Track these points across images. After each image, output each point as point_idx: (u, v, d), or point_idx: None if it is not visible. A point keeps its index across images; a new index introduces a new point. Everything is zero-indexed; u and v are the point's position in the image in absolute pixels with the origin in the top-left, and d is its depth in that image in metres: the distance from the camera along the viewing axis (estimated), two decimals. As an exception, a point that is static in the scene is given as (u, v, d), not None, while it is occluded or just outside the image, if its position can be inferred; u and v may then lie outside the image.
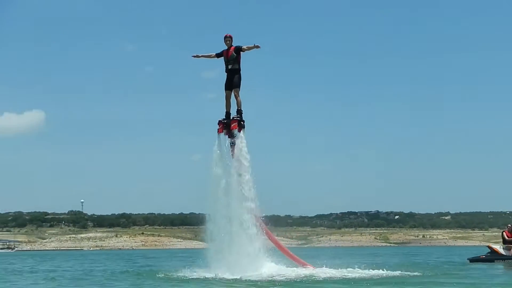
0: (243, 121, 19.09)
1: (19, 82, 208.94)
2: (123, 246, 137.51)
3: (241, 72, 19.06)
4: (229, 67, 18.81)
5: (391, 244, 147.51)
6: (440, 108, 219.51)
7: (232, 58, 18.69)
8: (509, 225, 32.60)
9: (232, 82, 18.90)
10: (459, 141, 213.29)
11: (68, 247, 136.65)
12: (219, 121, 19.10)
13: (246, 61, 19.25)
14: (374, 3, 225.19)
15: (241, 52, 18.86)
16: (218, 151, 18.66)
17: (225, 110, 19.12)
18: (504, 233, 32.12)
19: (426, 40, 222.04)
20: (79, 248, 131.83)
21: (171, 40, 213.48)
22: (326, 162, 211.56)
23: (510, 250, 30.53)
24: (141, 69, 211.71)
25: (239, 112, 19.00)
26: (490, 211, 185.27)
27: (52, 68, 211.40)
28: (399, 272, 21.11)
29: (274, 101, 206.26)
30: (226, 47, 19.03)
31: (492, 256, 30.89)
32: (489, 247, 32.55)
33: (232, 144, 18.56)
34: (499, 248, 31.36)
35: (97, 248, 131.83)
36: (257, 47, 18.80)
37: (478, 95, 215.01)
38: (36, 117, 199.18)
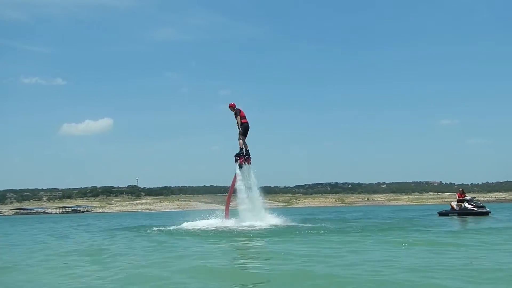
0: (250, 157, 19.46)
1: (95, 97, 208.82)
2: (165, 209, 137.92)
3: (240, 127, 19.37)
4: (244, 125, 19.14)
5: (345, 204, 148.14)
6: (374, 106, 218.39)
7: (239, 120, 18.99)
8: (460, 189, 32.37)
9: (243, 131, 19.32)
10: (391, 132, 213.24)
11: (127, 209, 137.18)
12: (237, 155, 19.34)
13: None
14: None
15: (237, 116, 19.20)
16: (239, 171, 19.16)
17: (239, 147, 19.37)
18: (456, 195, 31.89)
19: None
20: (135, 210, 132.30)
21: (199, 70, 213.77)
22: (303, 149, 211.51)
23: (459, 206, 30.47)
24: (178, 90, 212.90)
25: (247, 152, 19.46)
26: (413, 181, 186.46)
27: (117, 90, 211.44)
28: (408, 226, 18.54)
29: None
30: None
31: (451, 211, 30.78)
32: (450, 205, 31.75)
33: (240, 167, 19.08)
34: (455, 205, 30.99)
35: (147, 210, 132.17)
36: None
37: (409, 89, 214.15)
38: (107, 123, 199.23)
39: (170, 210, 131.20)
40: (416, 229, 16.37)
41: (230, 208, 19.64)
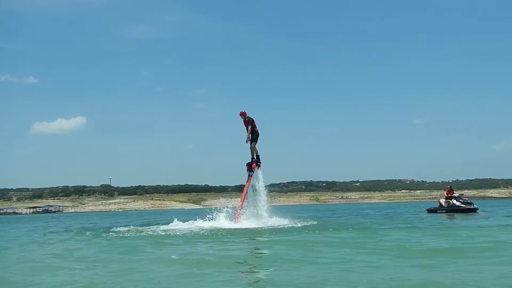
0: (260, 162, 19.98)
1: (68, 95, 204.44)
2: (138, 208, 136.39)
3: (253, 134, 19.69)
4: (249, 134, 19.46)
5: (320, 203, 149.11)
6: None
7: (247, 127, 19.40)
8: (448, 186, 32.45)
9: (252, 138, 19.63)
10: (364, 131, 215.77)
11: (100, 209, 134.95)
12: (247, 164, 19.88)
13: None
14: None
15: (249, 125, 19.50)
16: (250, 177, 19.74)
17: (251, 156, 19.88)
18: (445, 192, 31.75)
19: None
20: (108, 210, 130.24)
21: (174, 69, 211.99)
22: (277, 147, 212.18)
23: (448, 203, 30.38)
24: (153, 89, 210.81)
25: (257, 157, 19.93)
26: (385, 179, 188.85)
27: (92, 87, 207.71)
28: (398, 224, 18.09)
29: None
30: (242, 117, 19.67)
31: (439, 208, 30.73)
32: (439, 202, 31.45)
33: (249, 176, 19.59)
34: (443, 202, 30.81)
35: (121, 210, 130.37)
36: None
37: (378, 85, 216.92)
38: (80, 122, 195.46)
39: (144, 209, 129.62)
40: (440, 228, 15.52)
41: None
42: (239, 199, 19.72)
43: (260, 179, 19.53)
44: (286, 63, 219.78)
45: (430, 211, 31.61)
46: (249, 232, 14.86)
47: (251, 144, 19.77)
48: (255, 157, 20.01)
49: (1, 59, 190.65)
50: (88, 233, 17.26)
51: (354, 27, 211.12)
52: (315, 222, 19.41)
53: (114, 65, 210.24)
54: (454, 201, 30.31)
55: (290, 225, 17.31)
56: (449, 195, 31.12)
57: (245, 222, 18.18)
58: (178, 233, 15.09)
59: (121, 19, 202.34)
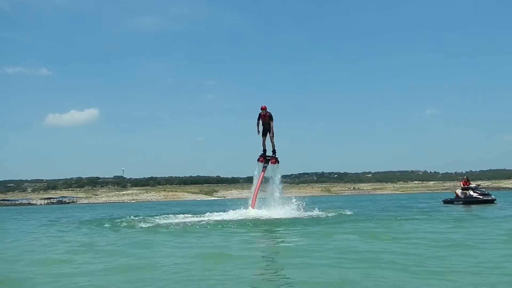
0: (278, 159, 20.49)
1: (81, 87, 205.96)
2: (151, 199, 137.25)
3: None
4: (266, 126, 19.85)
5: (332, 194, 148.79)
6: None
7: (267, 122, 19.79)
8: (465, 177, 31.72)
9: (269, 132, 20.01)
10: (377, 122, 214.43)
11: (113, 200, 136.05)
12: (261, 155, 20.36)
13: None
14: None
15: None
16: (256, 173, 20.33)
17: (262, 148, 20.33)
18: (461, 183, 31.24)
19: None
20: (121, 201, 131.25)
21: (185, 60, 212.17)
22: (288, 138, 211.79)
23: (464, 194, 29.98)
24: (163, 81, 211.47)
25: (274, 152, 20.40)
26: (398, 170, 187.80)
27: (104, 79, 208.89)
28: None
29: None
30: (261, 111, 19.80)
31: (456, 199, 30.37)
32: (455, 193, 31.11)
33: (264, 168, 20.11)
34: (460, 193, 30.44)
35: (133, 201, 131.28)
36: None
37: (390, 78, 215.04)
38: (93, 113, 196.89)
39: (156, 200, 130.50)
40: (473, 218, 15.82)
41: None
42: (254, 188, 19.88)
43: (278, 176, 20.26)
44: (298, 55, 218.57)
45: (446, 202, 31.17)
46: (309, 221, 15.17)
47: (264, 136, 20.08)
48: (272, 151, 20.45)
49: (14, 51, 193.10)
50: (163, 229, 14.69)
51: (365, 18, 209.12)
52: (349, 212, 20.10)
53: (125, 57, 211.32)
54: (471, 192, 29.78)
55: (325, 215, 18.12)
56: (466, 186, 30.60)
57: (266, 211, 18.57)
58: (251, 223, 14.86)
59: (129, 10, 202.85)
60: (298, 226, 13.34)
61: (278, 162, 20.53)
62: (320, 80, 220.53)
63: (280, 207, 19.31)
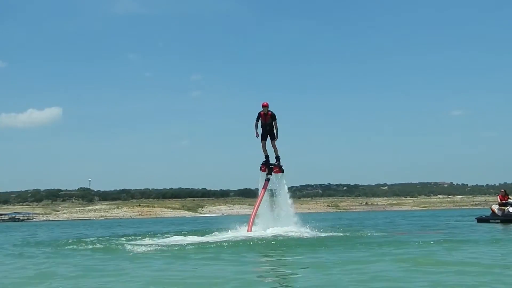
0: (283, 166, 20.48)
1: (41, 82, 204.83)
2: (123, 216, 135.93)
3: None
4: (267, 128, 19.63)
5: (340, 210, 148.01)
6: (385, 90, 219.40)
7: (269, 123, 19.61)
8: (502, 190, 31.33)
9: (270, 135, 19.78)
10: (395, 123, 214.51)
11: (78, 217, 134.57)
12: (263, 163, 20.32)
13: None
14: None
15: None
16: (260, 183, 20.25)
17: (264, 155, 20.20)
18: (498, 197, 30.86)
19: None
20: (87, 218, 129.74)
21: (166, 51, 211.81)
22: (288, 144, 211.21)
23: (502, 211, 29.40)
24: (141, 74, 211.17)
25: (278, 158, 20.33)
26: (419, 182, 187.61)
27: (69, 72, 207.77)
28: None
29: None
30: (262, 110, 19.63)
31: (492, 217, 29.85)
32: (491, 209, 30.64)
33: (267, 180, 20.01)
34: (497, 210, 29.87)
35: (102, 218, 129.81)
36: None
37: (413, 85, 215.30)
38: (55, 113, 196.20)
39: (129, 217, 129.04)
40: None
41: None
42: (253, 205, 19.85)
43: (285, 188, 20.07)
44: (301, 50, 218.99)
45: (480, 220, 30.74)
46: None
47: (263, 140, 19.81)
48: (275, 157, 20.32)
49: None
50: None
51: (390, 14, 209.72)
52: (369, 233, 19.49)
53: (96, 46, 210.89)
54: (510, 209, 29.35)
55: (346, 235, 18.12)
56: (504, 201, 29.98)
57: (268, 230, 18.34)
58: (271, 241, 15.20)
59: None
60: (319, 251, 12.76)
61: (283, 171, 20.34)
62: (324, 78, 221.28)
63: (289, 226, 18.95)
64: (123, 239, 18.74)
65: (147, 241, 17.22)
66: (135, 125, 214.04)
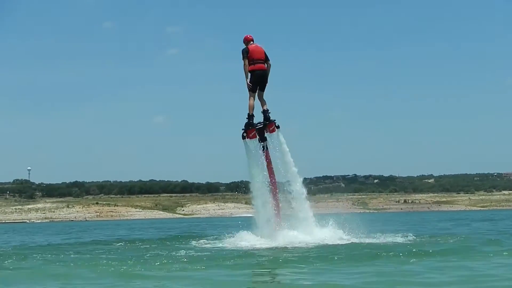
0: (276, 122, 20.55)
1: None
2: (75, 218, 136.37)
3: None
4: (258, 73, 19.76)
5: (370, 211, 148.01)
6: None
7: (260, 62, 19.89)
8: None
9: (262, 81, 20.05)
10: (443, 96, 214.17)
11: (14, 219, 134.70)
12: (247, 125, 20.10)
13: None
14: None
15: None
16: (250, 157, 20.19)
17: (248, 113, 20.11)
18: None
19: None
20: (26, 221, 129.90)
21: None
22: (297, 122, 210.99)
23: None
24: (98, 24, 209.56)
25: (267, 112, 20.38)
26: (476, 173, 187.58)
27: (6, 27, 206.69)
28: None
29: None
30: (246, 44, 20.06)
31: None
32: None
33: (266, 148, 20.15)
34: None
35: (47, 220, 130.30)
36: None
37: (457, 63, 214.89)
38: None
39: (84, 219, 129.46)
40: None
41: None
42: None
43: (286, 150, 20.22)
44: None
45: None
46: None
47: (253, 92, 19.90)
48: (262, 112, 20.34)
49: None
50: None
51: None
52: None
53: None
54: None
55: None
56: None
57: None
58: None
59: None
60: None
61: (279, 127, 20.49)
62: (349, 37, 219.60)
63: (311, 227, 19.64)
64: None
65: None
66: (90, 96, 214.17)
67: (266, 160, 19.91)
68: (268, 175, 19.81)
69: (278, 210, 19.49)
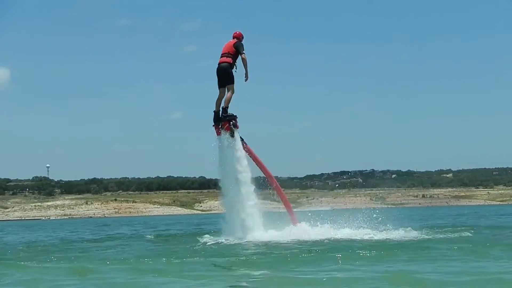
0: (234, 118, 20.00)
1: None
2: (94, 214, 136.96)
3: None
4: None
5: (388, 206, 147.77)
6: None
7: (233, 55, 19.77)
8: None
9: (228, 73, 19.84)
10: (462, 90, 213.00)
11: (33, 216, 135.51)
12: (217, 118, 19.95)
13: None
14: None
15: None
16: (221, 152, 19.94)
17: (216, 108, 20.04)
18: None
19: None
20: (45, 218, 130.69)
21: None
22: (315, 118, 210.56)
23: None
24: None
25: (225, 110, 19.84)
26: (495, 167, 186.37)
27: (19, 22, 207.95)
28: None
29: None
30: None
31: None
32: None
33: (245, 143, 19.95)
34: None
35: (66, 217, 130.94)
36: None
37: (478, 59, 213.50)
38: (0, 75, 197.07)
39: (102, 216, 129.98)
40: None
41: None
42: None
43: (240, 150, 19.62)
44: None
45: None
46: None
47: (222, 87, 19.70)
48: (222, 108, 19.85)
49: None
50: None
51: None
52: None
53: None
54: None
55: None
56: None
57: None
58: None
59: None
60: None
61: (237, 127, 20.05)
62: (374, 24, 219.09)
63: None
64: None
65: None
66: (108, 93, 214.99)
67: (251, 156, 19.88)
68: (262, 172, 20.00)
69: (289, 206, 19.69)
